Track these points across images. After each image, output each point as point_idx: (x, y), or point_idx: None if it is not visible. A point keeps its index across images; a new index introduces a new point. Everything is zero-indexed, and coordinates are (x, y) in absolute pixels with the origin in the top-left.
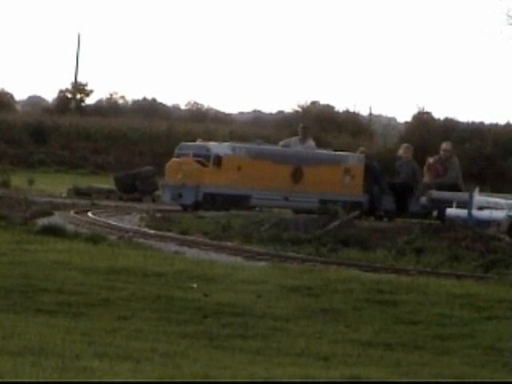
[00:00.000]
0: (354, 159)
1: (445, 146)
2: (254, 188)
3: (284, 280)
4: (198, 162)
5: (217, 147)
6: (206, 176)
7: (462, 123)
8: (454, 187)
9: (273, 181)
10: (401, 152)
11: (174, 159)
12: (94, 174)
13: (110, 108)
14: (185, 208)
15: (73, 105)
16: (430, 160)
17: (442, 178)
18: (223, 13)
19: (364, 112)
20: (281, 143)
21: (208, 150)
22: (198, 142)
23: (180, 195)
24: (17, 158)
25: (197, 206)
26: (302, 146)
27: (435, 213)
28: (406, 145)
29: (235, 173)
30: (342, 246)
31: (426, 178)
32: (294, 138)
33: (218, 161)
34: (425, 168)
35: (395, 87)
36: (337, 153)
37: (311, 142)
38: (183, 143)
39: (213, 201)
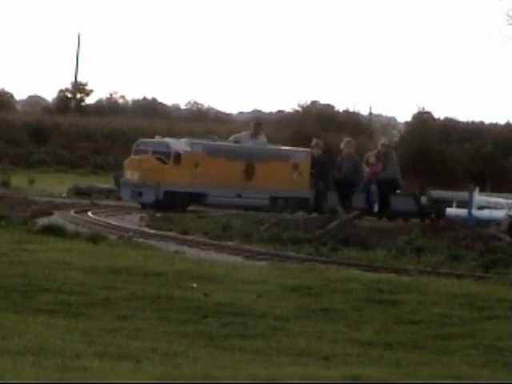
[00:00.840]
0: (302, 155)
1: (383, 141)
2: (211, 185)
3: (284, 280)
4: (158, 159)
5: (176, 144)
6: (166, 174)
7: (462, 123)
8: (392, 183)
9: (227, 178)
10: (342, 147)
11: (132, 156)
12: (94, 173)
13: (109, 108)
14: (144, 206)
15: (73, 105)
16: (369, 156)
17: (382, 173)
18: (223, 13)
19: (364, 111)
20: (230, 138)
21: (168, 146)
22: (157, 139)
23: (140, 194)
24: (17, 158)
25: (157, 204)
26: (253, 141)
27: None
28: (347, 139)
29: (193, 170)
30: (341, 245)
31: (366, 174)
32: (243, 133)
33: (178, 158)
34: (363, 163)
35: (395, 87)
36: (286, 148)
37: (263, 138)
38: (141, 140)
39: (172, 199)
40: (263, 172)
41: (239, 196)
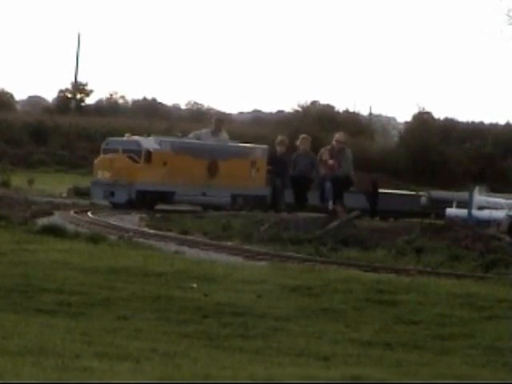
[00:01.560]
0: (259, 151)
1: (338, 136)
2: (178, 184)
3: (284, 280)
4: (130, 158)
5: (146, 142)
6: (138, 173)
7: (462, 123)
8: (346, 180)
9: (193, 176)
10: (298, 143)
11: (103, 156)
12: None
13: (110, 108)
14: (115, 206)
15: (73, 105)
16: (322, 152)
17: (336, 169)
18: (223, 13)
19: (364, 112)
20: (191, 135)
21: (139, 145)
22: (127, 137)
23: (112, 193)
24: (17, 158)
25: (130, 204)
26: (214, 138)
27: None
28: (303, 136)
29: (162, 168)
30: (342, 245)
31: (321, 170)
32: (204, 130)
33: (149, 156)
34: (317, 160)
35: (395, 87)
36: (245, 145)
37: (225, 135)
38: (110, 138)
39: (143, 198)
40: (225, 169)
41: (204, 194)
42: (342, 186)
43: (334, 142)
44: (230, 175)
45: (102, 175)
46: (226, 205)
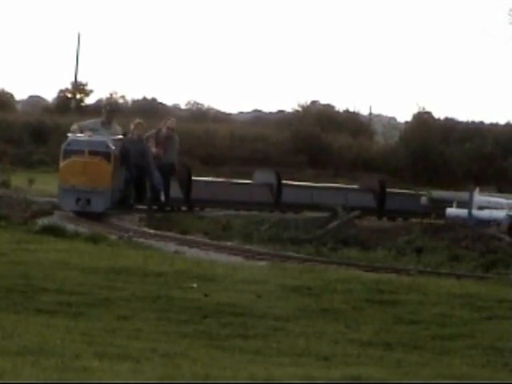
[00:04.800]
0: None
1: (169, 123)
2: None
3: (284, 280)
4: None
5: (110, 142)
6: (111, 177)
7: (462, 123)
8: (170, 167)
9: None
10: (132, 128)
11: (75, 159)
12: None
13: None
14: (90, 216)
15: (73, 105)
16: (147, 137)
17: (161, 157)
18: (223, 13)
19: (364, 111)
20: (74, 127)
21: (107, 146)
22: (90, 137)
23: (88, 201)
24: (17, 158)
25: (104, 212)
26: (105, 130)
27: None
28: (137, 121)
29: (117, 171)
30: (342, 245)
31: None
32: (91, 121)
33: (115, 159)
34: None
35: (395, 87)
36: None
37: (117, 127)
38: (73, 138)
39: (113, 205)
40: None
41: None
42: (166, 175)
43: (164, 129)
44: None
45: (74, 181)
46: None
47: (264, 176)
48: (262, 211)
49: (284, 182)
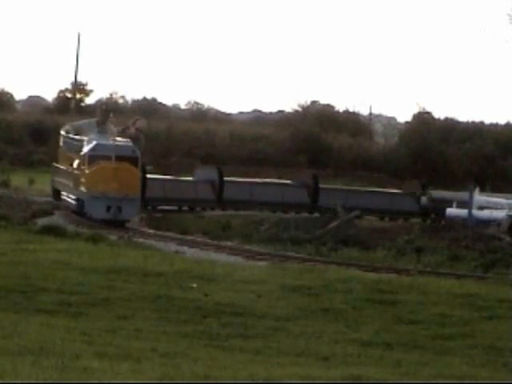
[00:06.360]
0: None
1: (139, 123)
2: None
3: (284, 280)
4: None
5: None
6: (139, 183)
7: (462, 123)
8: None
9: None
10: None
11: (103, 164)
12: None
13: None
14: (121, 225)
15: (73, 105)
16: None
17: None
18: (223, 13)
19: (364, 111)
20: (67, 127)
21: (134, 150)
22: (116, 141)
23: (120, 209)
24: (17, 158)
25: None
26: (100, 130)
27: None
28: (136, 117)
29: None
30: (342, 245)
31: None
32: (86, 121)
33: (141, 164)
34: None
35: (395, 87)
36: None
37: (112, 127)
38: (99, 142)
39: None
40: None
41: None
42: None
43: (133, 130)
44: None
45: (103, 187)
46: None
47: (206, 173)
48: (205, 209)
49: (225, 178)
